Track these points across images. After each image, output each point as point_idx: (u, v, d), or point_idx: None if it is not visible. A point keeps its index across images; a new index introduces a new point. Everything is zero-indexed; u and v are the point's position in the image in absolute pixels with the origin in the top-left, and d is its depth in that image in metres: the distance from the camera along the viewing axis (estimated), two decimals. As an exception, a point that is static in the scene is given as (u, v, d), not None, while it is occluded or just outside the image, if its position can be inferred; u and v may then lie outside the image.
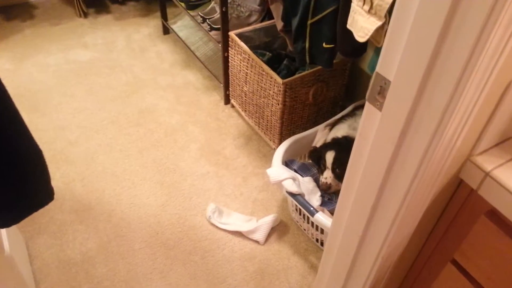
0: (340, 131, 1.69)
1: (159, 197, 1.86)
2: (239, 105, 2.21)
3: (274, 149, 2.01)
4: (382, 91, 0.73)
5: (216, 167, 2.00)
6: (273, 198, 1.88)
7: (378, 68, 0.71)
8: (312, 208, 1.47)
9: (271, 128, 2.00)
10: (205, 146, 2.10)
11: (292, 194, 1.52)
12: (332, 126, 1.77)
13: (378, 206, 0.83)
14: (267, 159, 2.05)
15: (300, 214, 1.64)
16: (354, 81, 2.10)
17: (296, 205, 1.60)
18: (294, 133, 2.01)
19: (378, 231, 0.86)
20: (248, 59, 1.92)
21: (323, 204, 1.57)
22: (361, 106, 1.83)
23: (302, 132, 1.98)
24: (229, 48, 2.06)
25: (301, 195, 1.52)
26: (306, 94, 1.88)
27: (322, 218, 1.44)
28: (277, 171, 1.56)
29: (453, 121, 0.63)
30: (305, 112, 1.97)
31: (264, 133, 2.07)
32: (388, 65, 0.68)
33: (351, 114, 1.75)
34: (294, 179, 1.54)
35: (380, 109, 0.73)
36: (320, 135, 1.78)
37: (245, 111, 2.16)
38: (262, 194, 1.89)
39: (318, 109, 2.03)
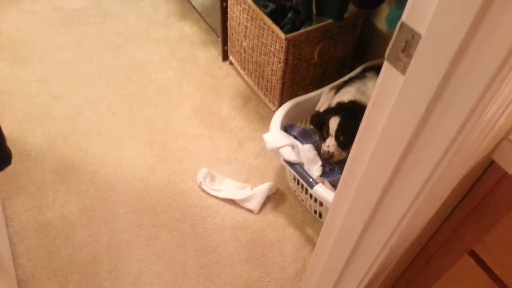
0: (346, 94, 1.52)
1: (148, 159, 1.72)
2: (238, 62, 2.03)
3: (274, 112, 1.86)
4: (407, 48, 0.56)
5: (211, 128, 1.86)
6: (270, 164, 1.75)
7: (404, 17, 0.55)
8: (311, 180, 1.33)
9: (271, 88, 1.83)
10: (200, 105, 1.95)
11: (290, 163, 1.38)
12: (338, 89, 1.61)
13: (390, 188, 0.69)
14: (266, 122, 1.90)
15: (298, 184, 1.51)
16: (365, 40, 1.91)
17: (294, 175, 1.47)
18: (296, 95, 1.85)
19: (388, 218, 0.73)
20: (248, 10, 1.72)
21: (324, 174, 1.44)
22: (372, 68, 1.66)
23: (304, 94, 1.81)
24: (228, -2, 1.86)
25: (300, 164, 1.38)
26: (311, 52, 1.70)
27: (322, 190, 1.31)
28: (275, 136, 1.41)
29: (503, 90, 0.47)
30: (309, 73, 1.80)
31: (264, 93, 1.91)
32: (419, 12, 0.52)
33: (360, 76, 1.58)
34: (293, 146, 1.40)
35: (403, 71, 0.57)
36: (325, 98, 1.62)
37: (244, 69, 1.99)
38: (259, 160, 1.76)
39: (324, 70, 1.85)
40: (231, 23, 1.93)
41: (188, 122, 1.87)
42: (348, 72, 1.83)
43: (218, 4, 1.96)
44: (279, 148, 1.38)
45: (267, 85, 1.85)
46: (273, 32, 1.62)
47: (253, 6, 1.67)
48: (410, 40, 0.55)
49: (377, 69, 1.61)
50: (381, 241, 0.77)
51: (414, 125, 0.58)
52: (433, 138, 0.57)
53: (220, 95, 2.00)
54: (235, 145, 1.80)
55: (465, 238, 0.84)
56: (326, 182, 1.41)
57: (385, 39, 1.86)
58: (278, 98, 1.81)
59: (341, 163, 1.48)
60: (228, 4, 1.88)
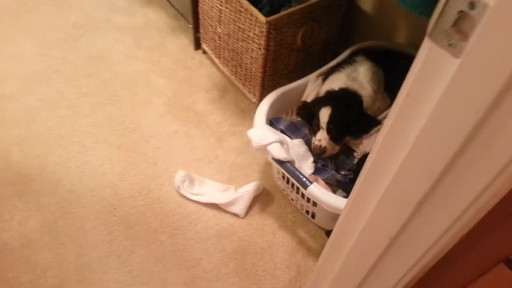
0: (336, 82, 1.38)
1: (116, 163, 1.53)
2: (212, 50, 1.85)
3: (255, 103, 1.70)
4: (461, 22, 0.42)
5: (186, 125, 1.68)
6: (254, 161, 1.59)
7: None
8: (304, 179, 1.19)
9: (250, 78, 1.67)
10: (172, 100, 1.76)
11: (280, 162, 1.23)
12: (326, 76, 1.46)
13: (429, 199, 0.55)
14: (246, 115, 1.74)
15: (288, 183, 1.36)
16: (349, 22, 1.77)
17: (284, 174, 1.32)
18: (278, 84, 1.69)
19: (423, 234, 0.59)
20: (222, -8, 1.54)
21: (316, 171, 1.30)
22: (362, 51, 1.52)
23: (287, 83, 1.66)
24: (198, -22, 1.67)
25: (291, 162, 1.24)
26: (294, 37, 1.54)
27: (317, 191, 1.17)
28: (261, 132, 1.26)
29: None
30: (291, 59, 1.64)
31: (243, 84, 1.74)
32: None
33: (350, 61, 1.43)
34: (282, 142, 1.24)
35: (456, 53, 0.42)
36: (312, 87, 1.47)
37: (220, 57, 1.81)
38: (241, 157, 1.60)
39: (307, 55, 1.70)
40: (203, 7, 1.74)
41: (160, 119, 1.69)
42: (333, 57, 1.68)
43: None
44: (266, 145, 1.23)
45: (246, 74, 1.68)
46: (251, 15, 1.45)
47: (227, -14, 1.50)
48: (467, 11, 0.40)
49: (366, 53, 1.47)
50: (410, 260, 0.64)
51: (472, 122, 0.43)
52: (499, 138, 0.43)
53: (194, 87, 1.82)
54: (214, 142, 1.64)
55: (501, 244, 0.72)
56: (320, 180, 1.27)
57: (371, 20, 1.72)
58: (258, 88, 1.64)
59: (335, 158, 1.34)
60: (198, -14, 1.69)
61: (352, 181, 1.29)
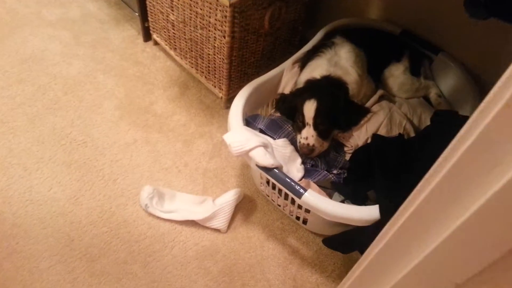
0: (317, 69, 1.21)
1: (68, 185, 1.30)
2: (166, 41, 1.62)
3: (221, 98, 1.51)
4: None
5: (145, 130, 1.46)
6: (229, 165, 1.41)
7: None
8: (298, 187, 1.02)
9: (214, 70, 1.46)
10: (126, 102, 1.53)
11: (266, 169, 1.05)
12: (304, 62, 1.29)
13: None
14: (214, 112, 1.54)
15: (274, 188, 1.20)
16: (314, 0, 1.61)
17: (269, 179, 1.15)
18: (245, 75, 1.51)
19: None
20: (173, -28, 1.32)
21: (306, 174, 1.14)
22: (337, 33, 1.36)
23: (254, 72, 1.48)
24: (142, -42, 1.42)
25: (278, 167, 1.07)
26: (261, 20, 1.36)
27: (314, 199, 1.01)
28: (240, 136, 1.07)
29: None
30: (258, 45, 1.45)
31: (206, 77, 1.54)
32: None
33: (328, 44, 1.27)
34: (265, 146, 1.07)
35: None
36: (288, 76, 1.30)
37: (175, 49, 1.59)
38: (214, 162, 1.41)
39: (275, 40, 1.52)
40: (150, -9, 1.50)
41: (114, 127, 1.45)
42: (301, 40, 1.52)
43: None
44: (249, 151, 1.05)
45: (209, 66, 1.48)
46: (211, -3, 1.24)
47: (179, -35, 1.27)
48: None
49: (344, 34, 1.31)
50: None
51: None
52: None
53: (149, 85, 1.59)
54: (181, 148, 1.43)
55: None
56: (312, 183, 1.11)
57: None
58: (225, 81, 1.45)
59: (324, 156, 1.19)
60: (143, -33, 1.45)
61: (347, 180, 1.15)
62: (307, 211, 1.14)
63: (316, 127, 1.14)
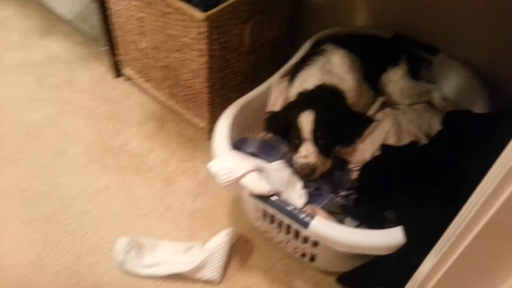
0: (309, 79, 1.06)
1: (29, 246, 1.08)
2: (138, 73, 1.47)
3: (204, 128, 1.34)
4: None
5: (119, 173, 1.27)
6: (218, 202, 1.22)
7: None
8: (303, 216, 0.83)
9: (194, 97, 1.30)
10: (96, 144, 1.35)
11: (263, 198, 0.86)
12: (293, 75, 1.14)
13: None
14: (196, 145, 1.37)
15: (272, 222, 1.00)
16: (297, 14, 1.49)
17: (267, 211, 0.96)
18: (229, 100, 1.33)
19: None
20: (138, -8, 1.19)
21: (310, 200, 0.95)
22: (327, 40, 1.22)
23: (239, 97, 1.32)
24: (103, -16, 1.30)
25: (277, 193, 0.88)
26: (241, 36, 1.22)
27: (324, 227, 0.82)
28: (228, 162, 0.89)
29: None
30: (240, 65, 1.31)
31: (185, 107, 1.37)
32: None
33: (318, 51, 1.13)
34: (259, 169, 0.89)
35: None
36: (277, 91, 1.14)
37: (149, 80, 1.44)
38: (201, 200, 1.22)
39: (257, 58, 1.37)
40: (118, 20, 1.36)
41: (83, 173, 1.26)
42: (285, 58, 1.37)
43: (93, 6, 1.39)
44: (240, 178, 0.86)
45: (187, 94, 1.32)
46: (184, 14, 1.10)
47: (144, -18, 1.14)
48: None
49: (334, 41, 1.18)
50: None
51: None
52: None
53: (122, 123, 1.41)
54: (161, 188, 1.24)
55: None
56: (318, 210, 0.92)
57: (321, 8, 1.45)
58: (207, 108, 1.28)
59: (328, 177, 1.00)
60: (106, -6, 1.32)
61: (359, 202, 0.96)
62: (315, 244, 0.94)
63: (316, 142, 0.97)
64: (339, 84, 1.03)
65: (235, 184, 0.88)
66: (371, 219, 0.89)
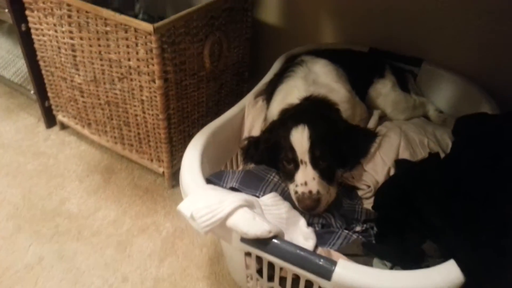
0: (292, 92, 0.87)
1: None
2: (75, 118, 1.21)
3: (163, 174, 1.09)
4: None
5: (56, 241, 0.97)
6: (192, 263, 0.94)
7: None
8: (322, 261, 0.59)
9: (146, 137, 1.06)
10: (24, 207, 1.05)
11: (261, 243, 0.62)
12: (270, 93, 0.94)
13: None
14: (156, 195, 1.10)
15: (271, 280, 0.74)
16: (257, 41, 1.33)
17: (259, 263, 0.71)
18: (190, 137, 1.11)
19: None
20: (70, 12, 0.97)
21: (319, 241, 0.71)
22: (305, 53, 1.04)
23: (200, 131, 1.10)
24: (29, 11, 1.07)
25: (279, 235, 0.64)
26: (200, 57, 1.02)
27: (355, 273, 0.58)
28: (207, 199, 0.65)
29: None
30: (201, 94, 1.10)
31: (137, 150, 1.12)
32: None
33: (298, 62, 0.95)
34: (249, 204, 0.65)
35: None
36: (253, 113, 0.93)
37: (89, 124, 1.18)
38: (168, 264, 0.94)
39: (219, 88, 1.18)
40: (44, 55, 1.13)
41: (7, 245, 0.95)
42: (249, 88, 1.18)
43: (16, 52, 1.16)
44: (225, 218, 0.62)
45: (139, 133, 1.08)
46: (127, 30, 0.90)
47: (79, 3, 0.93)
48: None
49: (311, 53, 1.01)
50: None
51: None
52: None
53: (57, 179, 1.13)
54: (113, 255, 0.95)
55: None
56: (334, 253, 0.69)
57: (281, 33, 1.31)
58: (165, 148, 1.04)
59: (337, 209, 0.78)
60: (31, 24, 1.09)
61: (380, 237, 0.74)
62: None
63: (315, 162, 0.75)
64: (329, 95, 0.85)
65: (220, 228, 0.63)
66: (407, 256, 0.67)
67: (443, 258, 0.62)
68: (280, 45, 1.33)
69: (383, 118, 0.99)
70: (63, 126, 1.28)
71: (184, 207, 0.65)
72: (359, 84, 1.01)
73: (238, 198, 0.64)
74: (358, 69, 1.02)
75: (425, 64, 1.12)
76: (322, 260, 0.60)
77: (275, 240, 0.62)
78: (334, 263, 0.59)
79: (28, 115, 1.33)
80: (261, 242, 0.62)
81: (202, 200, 0.65)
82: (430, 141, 0.87)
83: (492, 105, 0.94)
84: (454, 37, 1.08)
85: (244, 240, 0.63)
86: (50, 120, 1.28)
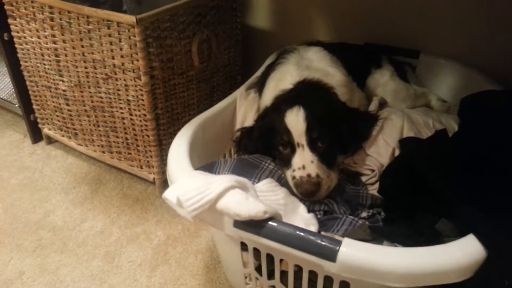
0: (285, 78, 0.82)
1: None
2: (61, 130, 1.16)
3: (154, 181, 1.03)
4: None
5: (38, 254, 0.89)
6: (186, 271, 0.86)
7: None
8: (325, 241, 0.53)
9: (134, 142, 1.01)
10: (5, 222, 0.98)
11: (258, 224, 0.55)
12: (262, 83, 0.90)
13: None
14: (147, 204, 1.04)
15: (271, 276, 0.67)
16: (248, 46, 1.30)
17: (256, 259, 0.63)
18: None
19: None
20: (52, 15, 0.94)
21: (322, 227, 0.65)
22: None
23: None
24: (11, 19, 1.04)
25: (276, 217, 0.57)
26: (187, 55, 0.98)
27: (363, 252, 0.51)
28: (194, 182, 0.58)
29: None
30: (191, 95, 1.05)
31: (125, 158, 1.06)
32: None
33: (290, 49, 0.91)
34: (242, 185, 0.58)
35: None
36: (245, 104, 0.88)
37: (75, 134, 1.13)
38: (160, 273, 0.86)
39: (211, 90, 1.14)
40: (28, 64, 1.09)
41: (-17, 261, 0.87)
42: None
43: (2, 69, 1.13)
44: (215, 200, 0.55)
45: (127, 139, 1.02)
46: (109, 26, 0.86)
47: (61, 3, 0.90)
48: None
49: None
50: None
51: None
52: None
53: (42, 192, 1.06)
54: (100, 266, 0.87)
55: None
56: (337, 237, 0.61)
57: (271, 36, 1.28)
58: (154, 152, 0.99)
59: (340, 194, 0.71)
60: (14, 32, 1.06)
61: (388, 221, 0.67)
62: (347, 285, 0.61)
63: (313, 146, 0.69)
64: (324, 79, 0.80)
65: (210, 212, 0.56)
66: (420, 238, 0.60)
67: (460, 237, 0.56)
68: (273, 49, 1.29)
69: (383, 105, 0.93)
70: (50, 141, 1.23)
71: (170, 193, 0.59)
72: (356, 74, 0.96)
73: (228, 178, 0.58)
74: (354, 59, 0.97)
75: (423, 55, 1.08)
76: (325, 239, 0.53)
77: (271, 222, 0.55)
78: (338, 242, 0.53)
79: (13, 132, 1.28)
80: (256, 225, 0.56)
81: (190, 183, 0.58)
82: (435, 122, 0.82)
83: (496, 88, 0.89)
84: (451, 28, 1.05)
85: (238, 224, 0.57)
86: (36, 135, 1.23)
